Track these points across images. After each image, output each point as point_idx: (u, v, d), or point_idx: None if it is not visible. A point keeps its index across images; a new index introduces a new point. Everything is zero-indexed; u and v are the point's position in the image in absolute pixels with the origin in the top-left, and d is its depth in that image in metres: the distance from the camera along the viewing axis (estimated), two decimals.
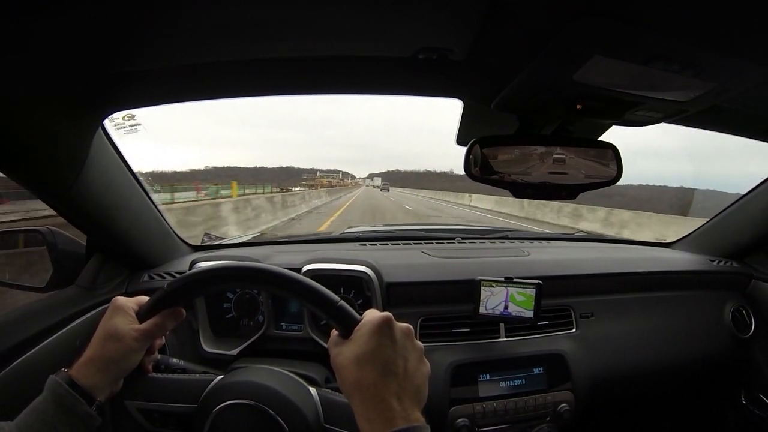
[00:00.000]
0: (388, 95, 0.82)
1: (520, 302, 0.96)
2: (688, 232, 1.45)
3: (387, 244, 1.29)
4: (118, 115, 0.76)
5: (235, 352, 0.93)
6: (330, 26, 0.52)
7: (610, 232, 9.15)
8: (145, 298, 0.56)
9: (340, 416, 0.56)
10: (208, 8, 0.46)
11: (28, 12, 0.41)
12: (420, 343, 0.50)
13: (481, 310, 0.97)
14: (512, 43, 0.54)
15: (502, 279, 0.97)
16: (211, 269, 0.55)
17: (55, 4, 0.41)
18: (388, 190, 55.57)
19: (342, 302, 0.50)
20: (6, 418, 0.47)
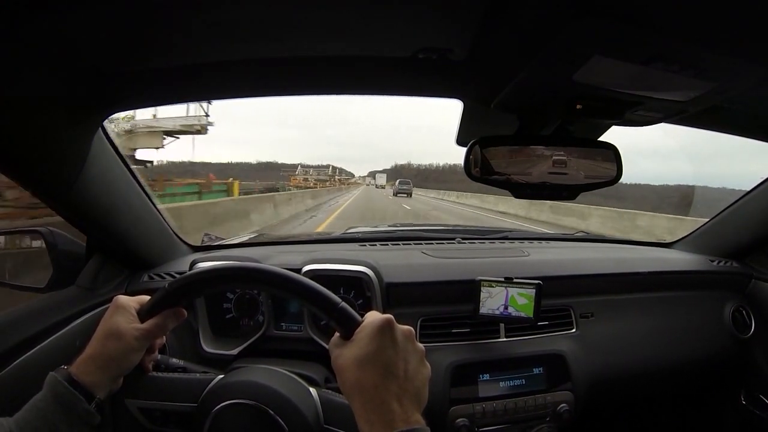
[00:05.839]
0: (388, 95, 0.82)
1: (520, 303, 0.96)
2: (688, 231, 1.45)
3: (387, 245, 1.29)
4: (118, 115, 0.76)
5: (235, 352, 0.93)
6: (330, 26, 0.52)
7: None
8: (146, 298, 0.56)
9: (340, 417, 0.56)
10: (209, 9, 0.46)
11: (28, 12, 0.41)
12: (421, 346, 0.50)
13: (481, 310, 0.96)
14: (512, 43, 0.54)
15: (502, 279, 0.97)
16: (212, 269, 0.55)
17: (55, 5, 0.41)
18: (410, 195, 27.99)
19: (343, 303, 0.50)
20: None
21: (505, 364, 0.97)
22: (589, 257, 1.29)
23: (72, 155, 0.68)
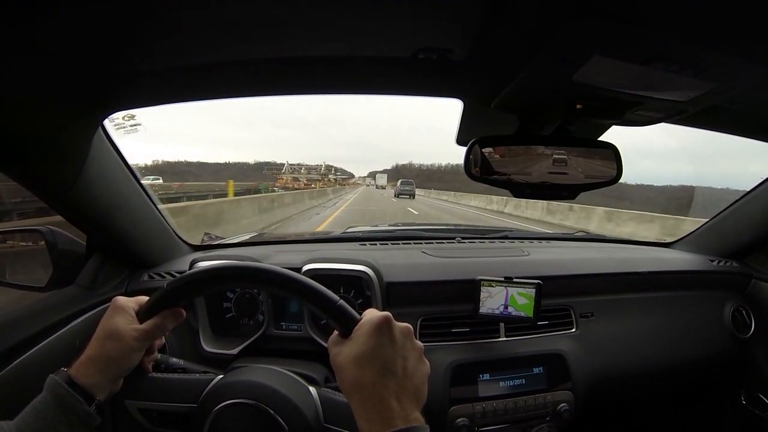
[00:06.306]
0: (388, 95, 0.82)
1: (519, 302, 0.96)
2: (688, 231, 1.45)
3: (387, 244, 1.29)
4: (118, 115, 0.76)
5: (235, 351, 0.93)
6: (330, 26, 0.52)
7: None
8: (145, 298, 0.56)
9: (340, 416, 0.56)
10: (209, 9, 0.46)
11: (29, 13, 0.41)
12: (419, 343, 0.50)
13: (481, 309, 0.97)
14: (512, 43, 0.54)
15: (502, 279, 0.97)
16: (210, 269, 0.55)
17: (55, 6, 0.41)
18: (412, 197, 26.78)
19: (341, 301, 0.50)
20: (6, 417, 0.47)
21: (505, 363, 0.97)
22: (589, 257, 1.29)
23: (72, 155, 0.68)
